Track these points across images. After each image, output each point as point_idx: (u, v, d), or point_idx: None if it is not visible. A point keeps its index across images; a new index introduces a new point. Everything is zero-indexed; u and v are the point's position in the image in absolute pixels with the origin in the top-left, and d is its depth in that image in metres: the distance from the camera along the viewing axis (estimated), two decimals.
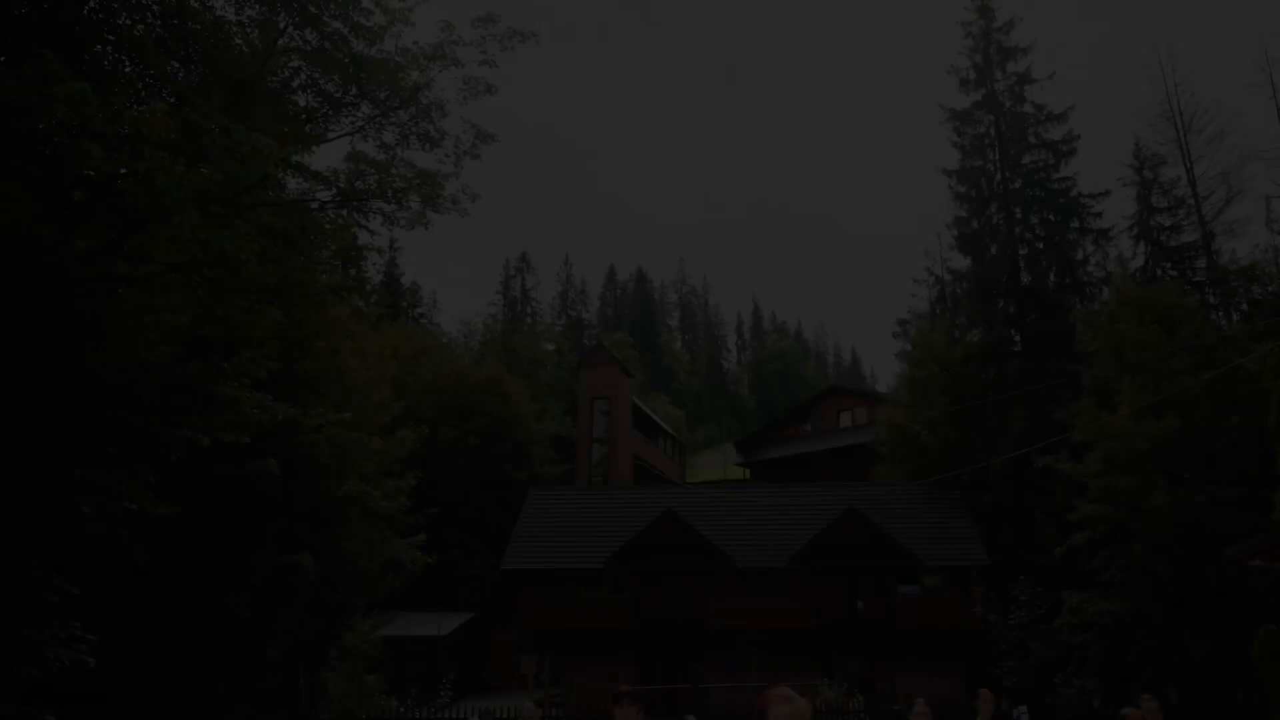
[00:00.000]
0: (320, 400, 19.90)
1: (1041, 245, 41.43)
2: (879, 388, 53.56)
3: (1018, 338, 40.87)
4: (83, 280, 11.53)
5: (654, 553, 34.19)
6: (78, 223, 11.09)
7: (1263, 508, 25.60)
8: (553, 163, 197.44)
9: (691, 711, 18.76)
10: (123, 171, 8.14)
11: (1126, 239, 43.45)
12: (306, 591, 21.34)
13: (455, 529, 41.26)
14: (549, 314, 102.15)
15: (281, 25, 13.08)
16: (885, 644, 32.59)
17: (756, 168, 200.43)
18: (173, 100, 8.74)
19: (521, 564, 35.12)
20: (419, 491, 27.02)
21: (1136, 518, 28.94)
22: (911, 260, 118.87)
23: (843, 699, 27.28)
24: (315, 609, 22.59)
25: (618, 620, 33.74)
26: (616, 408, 52.48)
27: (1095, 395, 32.06)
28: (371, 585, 24.88)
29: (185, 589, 18.39)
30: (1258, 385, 31.67)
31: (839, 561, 33.81)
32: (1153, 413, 30.24)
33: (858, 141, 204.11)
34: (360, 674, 21.27)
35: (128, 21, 8.96)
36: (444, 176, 14.43)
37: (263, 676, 20.71)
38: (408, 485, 25.51)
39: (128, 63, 8.61)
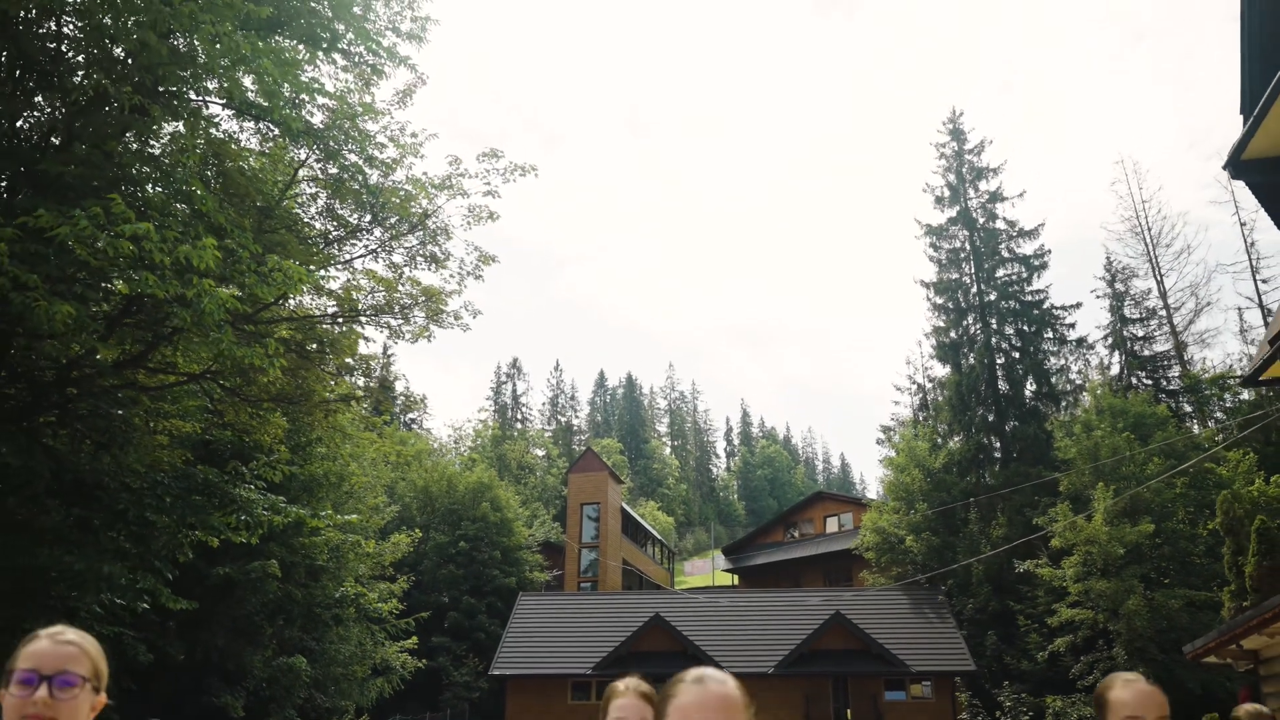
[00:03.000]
0: (321, 504, 20.66)
1: (1017, 355, 42.86)
2: (868, 493, 54.44)
3: (997, 444, 41.91)
4: (110, 389, 12.52)
5: (643, 658, 34.38)
6: (107, 336, 12.13)
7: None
8: (543, 270, 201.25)
9: None
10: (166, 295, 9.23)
11: (1102, 348, 45.11)
12: (299, 693, 21.70)
13: (444, 634, 41.30)
14: (539, 419, 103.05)
15: (304, 157, 14.42)
16: None
17: (743, 281, 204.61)
18: (211, 231, 9.89)
19: (510, 669, 35.20)
20: (410, 596, 27.50)
21: (1115, 621, 29.54)
22: (896, 368, 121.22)
23: None
24: (306, 712, 22.86)
25: None
26: (605, 513, 52.94)
27: (1072, 501, 33.01)
28: (362, 690, 25.13)
29: (184, 689, 18.79)
30: (1227, 492, 32.69)
31: (826, 668, 34.05)
32: (1128, 518, 31.15)
33: (844, 253, 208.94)
34: None
35: (175, 165, 10.18)
36: (448, 294, 15.65)
37: None
38: (400, 589, 26.05)
39: (179, 199, 9.78)
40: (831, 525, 54.74)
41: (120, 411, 12.33)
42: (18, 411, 12.19)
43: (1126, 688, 2.63)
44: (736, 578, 58.35)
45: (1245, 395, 39.04)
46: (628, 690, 2.52)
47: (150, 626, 16.80)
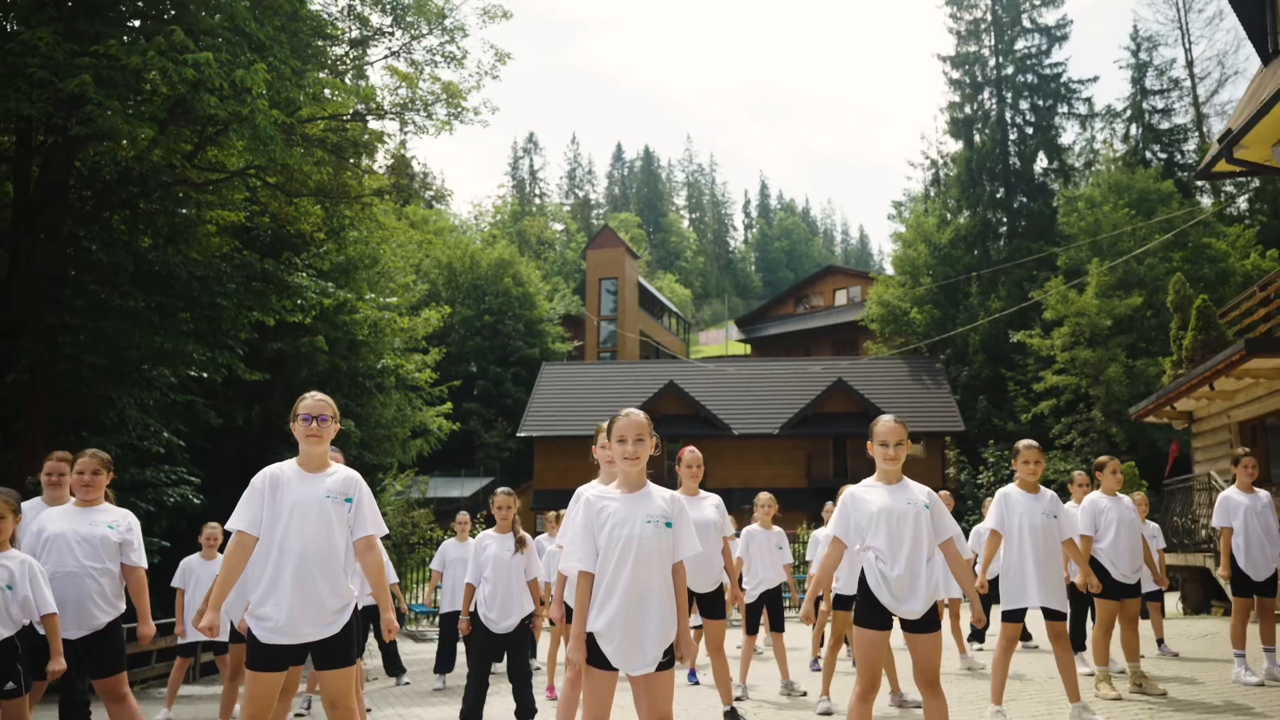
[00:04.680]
0: (358, 284, 22.47)
1: (1031, 130, 43.01)
2: (885, 264, 55.63)
3: (1004, 220, 42.93)
4: (167, 186, 13.95)
5: (658, 422, 37.14)
6: (161, 139, 13.43)
7: None
8: (558, 41, 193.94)
9: None
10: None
11: (1120, 123, 44.98)
12: (350, 451, 24.39)
13: (474, 400, 44.48)
14: (557, 194, 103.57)
15: None
16: None
17: (762, 50, 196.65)
18: (257, 52, 10.97)
19: (536, 431, 38.42)
20: (441, 366, 29.83)
21: (1096, 386, 31.80)
22: (911, 143, 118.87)
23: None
24: (355, 468, 25.76)
25: None
26: (623, 288, 54.99)
27: (1069, 276, 34.53)
28: (404, 450, 27.88)
29: (251, 449, 21.36)
30: (1222, 266, 34.03)
31: (827, 429, 36.94)
32: (1120, 291, 32.76)
33: (863, 24, 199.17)
34: (412, 509, 24.63)
35: None
36: (466, 91, 16.67)
37: None
38: (433, 360, 28.31)
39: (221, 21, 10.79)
40: (840, 298, 56.75)
41: (184, 211, 13.83)
42: (91, 212, 13.74)
43: (879, 422, 4.32)
44: (749, 348, 61.10)
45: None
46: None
47: (217, 395, 18.98)
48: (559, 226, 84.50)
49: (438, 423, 28.83)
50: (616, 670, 3.54)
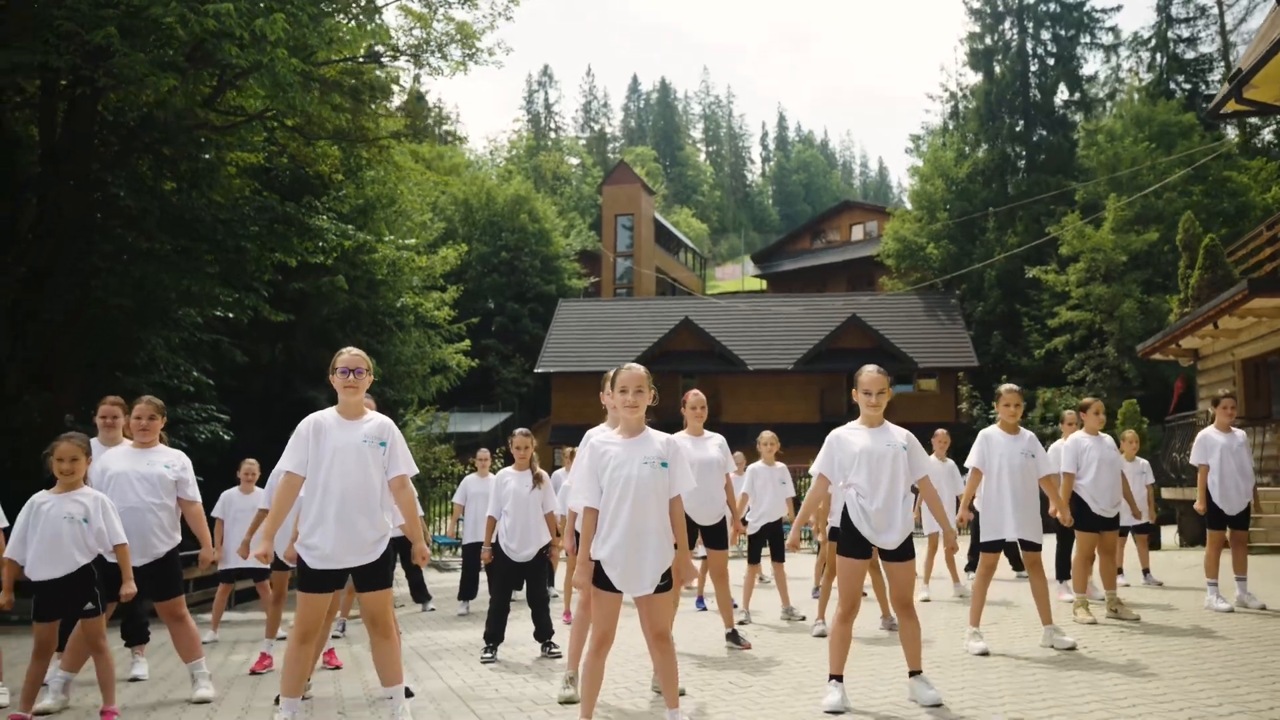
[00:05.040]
0: (376, 224, 22.77)
1: (1052, 61, 42.35)
2: (904, 198, 55.17)
3: (1022, 153, 42.53)
4: (189, 129, 14.23)
5: (674, 357, 37.76)
6: (181, 83, 13.67)
7: None
8: None
9: None
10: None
11: (1144, 51, 44.17)
12: (371, 389, 25.04)
13: (492, 336, 44.99)
14: (572, 128, 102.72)
15: None
16: None
17: None
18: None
19: (553, 367, 38.95)
20: (459, 304, 30.23)
21: (1110, 322, 31.91)
22: (930, 75, 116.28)
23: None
24: (378, 403, 26.37)
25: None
26: (639, 224, 54.98)
27: (1087, 211, 34.37)
28: (424, 386, 28.46)
29: (275, 387, 21.94)
30: (1242, 200, 33.78)
31: (841, 365, 37.23)
32: (1138, 226, 32.64)
33: None
34: (433, 444, 25.28)
35: None
36: (480, 32, 16.74)
37: None
38: (450, 298, 28.70)
39: None
40: (857, 233, 56.56)
41: (206, 156, 14.13)
42: (117, 158, 14.07)
43: (863, 372, 4.68)
44: (765, 284, 61.16)
45: None
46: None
47: (242, 334, 19.45)
48: (574, 161, 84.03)
49: (456, 359, 29.33)
50: (620, 593, 3.98)
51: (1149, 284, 32.38)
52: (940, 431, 9.86)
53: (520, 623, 7.27)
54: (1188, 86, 43.51)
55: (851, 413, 24.78)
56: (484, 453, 10.66)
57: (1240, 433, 7.44)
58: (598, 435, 4.33)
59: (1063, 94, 42.76)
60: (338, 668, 6.48)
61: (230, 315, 15.11)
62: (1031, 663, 5.55)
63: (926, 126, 49.62)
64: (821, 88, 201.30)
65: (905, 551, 4.61)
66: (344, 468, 4.27)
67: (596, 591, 4.00)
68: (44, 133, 13.64)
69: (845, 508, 4.69)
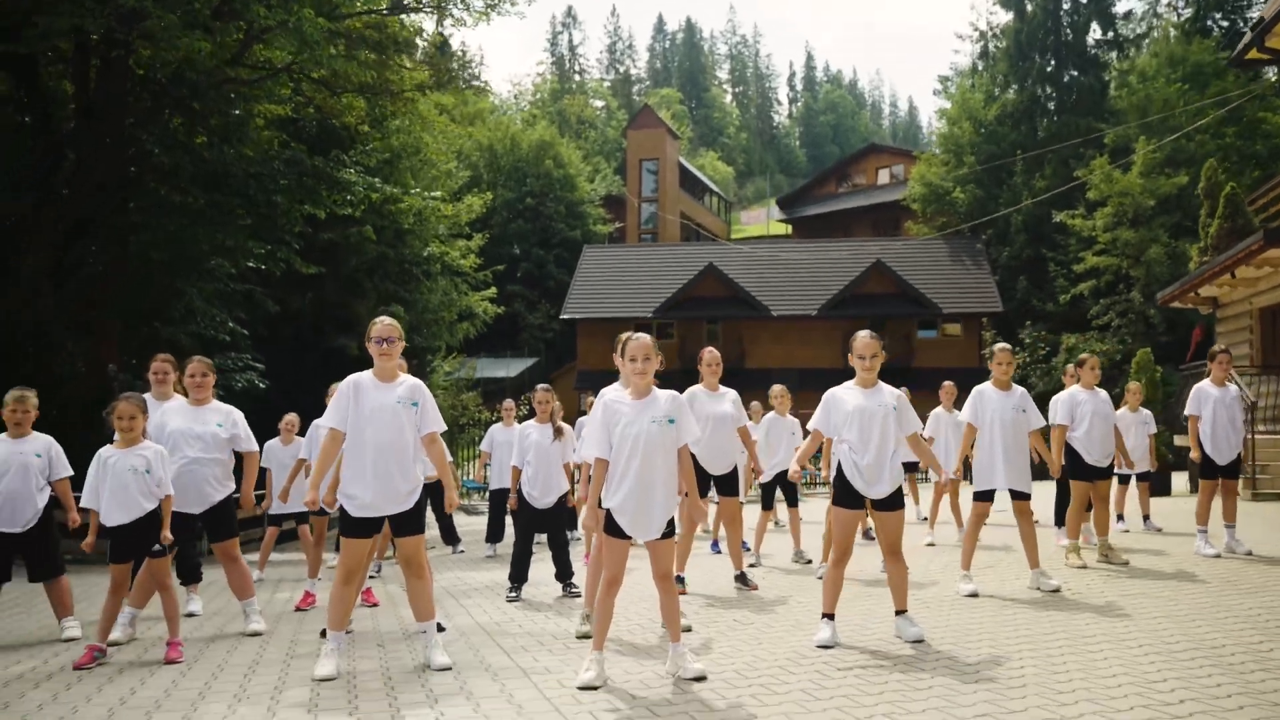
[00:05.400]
0: (402, 174, 23.08)
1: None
2: (934, 140, 54.28)
3: (1052, 95, 41.89)
4: (218, 85, 14.56)
5: (698, 303, 38.01)
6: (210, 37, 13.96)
7: None
8: None
9: None
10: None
11: None
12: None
13: (518, 283, 45.37)
14: (597, 70, 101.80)
15: None
16: (903, 380, 36.41)
17: None
18: None
19: (578, 313, 39.34)
20: (485, 251, 30.59)
21: (1136, 267, 31.75)
22: (960, 14, 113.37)
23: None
24: (407, 352, 26.93)
25: (666, 361, 37.70)
26: (664, 169, 54.82)
27: (1115, 154, 33.96)
28: (451, 332, 28.99)
29: (307, 335, 22.50)
30: (1276, 142, 33.23)
31: (865, 310, 37.33)
32: (1168, 169, 32.27)
33: None
34: (461, 392, 25.86)
35: None
36: None
37: None
38: (476, 245, 29.06)
39: None
40: (883, 177, 56.11)
41: (235, 112, 14.47)
42: (149, 114, 14.44)
43: (856, 338, 5.01)
44: (790, 228, 60.95)
45: None
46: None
47: (273, 284, 19.95)
48: (599, 104, 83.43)
49: (483, 306, 29.80)
50: (630, 538, 4.39)
51: (1177, 228, 32.09)
52: (947, 384, 10.15)
53: (543, 564, 7.75)
54: (1225, 24, 42.48)
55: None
56: (509, 403, 11.08)
57: (1234, 387, 7.71)
58: (611, 393, 4.70)
59: (1095, 33, 41.97)
60: (375, 605, 6.98)
61: (263, 266, 15.58)
62: (1016, 603, 5.94)
63: (955, 68, 48.94)
64: (850, 25, 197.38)
65: (894, 502, 4.99)
66: (380, 426, 4.68)
67: (607, 538, 4.40)
68: (78, 89, 14.03)
69: (839, 463, 5.07)
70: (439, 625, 5.69)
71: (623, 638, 5.36)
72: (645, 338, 4.50)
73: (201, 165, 14.36)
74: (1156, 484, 10.31)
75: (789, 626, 5.52)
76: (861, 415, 4.97)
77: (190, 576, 6.66)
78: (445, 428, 5.00)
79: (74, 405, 13.64)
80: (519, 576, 7.12)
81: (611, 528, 4.40)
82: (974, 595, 6.19)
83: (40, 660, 5.33)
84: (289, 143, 17.06)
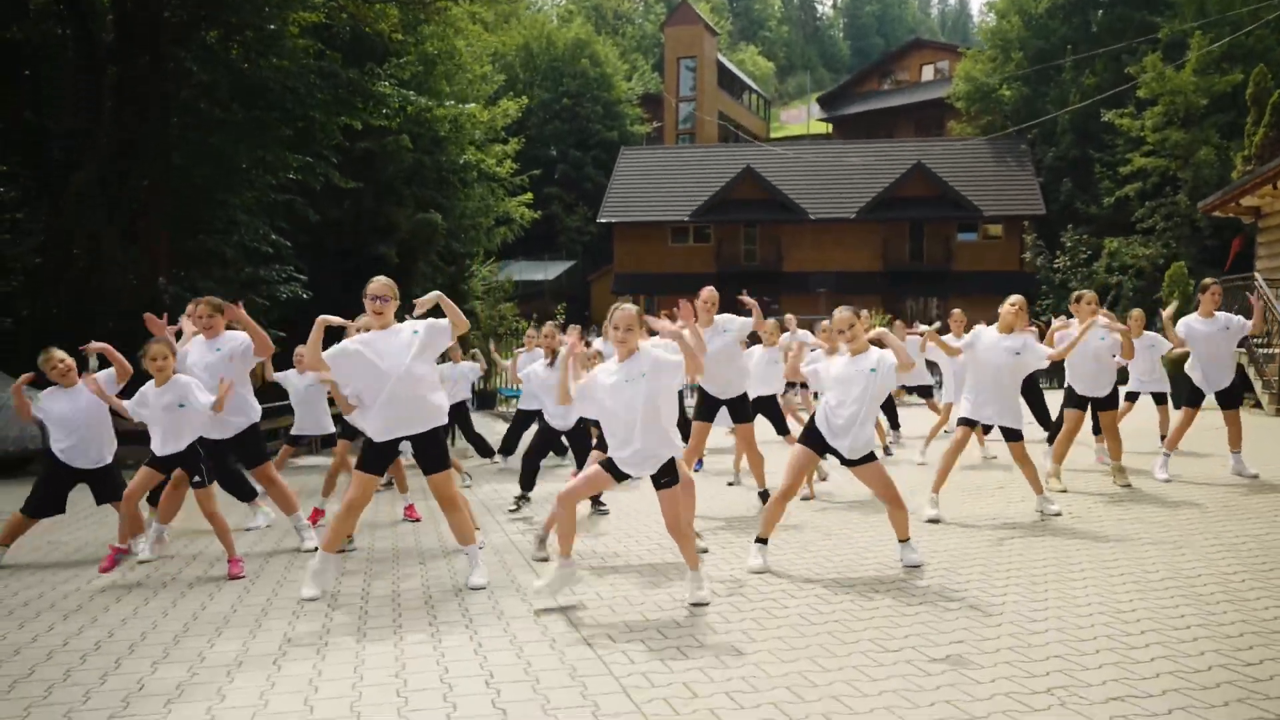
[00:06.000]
0: (436, 79, 23.05)
1: None
2: (981, 33, 52.33)
3: None
4: None
5: (735, 205, 37.82)
6: None
7: None
8: None
9: None
10: None
11: None
12: (438, 242, 25.82)
13: (555, 185, 45.27)
14: None
15: None
16: (942, 284, 36.32)
17: None
18: None
19: (615, 216, 39.35)
20: (521, 154, 30.55)
21: (1185, 169, 30.98)
22: None
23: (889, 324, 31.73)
24: (446, 257, 27.27)
25: (703, 265, 38.17)
26: (702, 67, 53.73)
27: (1169, 51, 32.74)
28: (488, 238, 29.24)
29: (346, 242, 22.90)
30: None
31: (904, 213, 36.95)
32: (1219, 67, 31.12)
33: None
34: (499, 302, 26.32)
35: None
36: None
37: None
38: (512, 150, 29.05)
39: None
40: (928, 73, 54.59)
41: (271, 27, 14.57)
42: (185, 29, 14.60)
43: (834, 317, 5.24)
44: (830, 127, 59.76)
45: None
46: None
47: (312, 194, 20.27)
48: None
49: (520, 211, 29.92)
50: (622, 478, 4.78)
51: (1229, 129, 31.13)
52: (956, 311, 10.25)
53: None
54: None
55: (915, 260, 25.36)
56: (532, 332, 11.45)
57: (1222, 316, 7.84)
58: (602, 369, 4.93)
59: None
60: (417, 520, 7.48)
61: (301, 178, 15.91)
62: (1013, 529, 6.27)
63: None
64: None
65: (865, 459, 5.24)
66: (391, 355, 5.02)
67: (600, 471, 4.81)
68: (114, 5, 14.20)
69: (814, 413, 5.38)
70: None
71: (644, 558, 5.80)
72: (630, 309, 4.77)
73: (239, 80, 14.57)
74: (1176, 401, 10.41)
75: (796, 549, 5.90)
76: (839, 382, 5.24)
77: (245, 495, 7.14)
78: (455, 327, 5.15)
79: (128, 318, 14.24)
80: (527, 484, 7.59)
81: (612, 470, 4.78)
82: (935, 521, 6.49)
83: (119, 575, 5.88)
84: (324, 51, 17.15)
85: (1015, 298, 6.61)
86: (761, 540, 5.43)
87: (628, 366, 4.72)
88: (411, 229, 24.43)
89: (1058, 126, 37.96)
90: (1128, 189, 32.97)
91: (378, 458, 5.17)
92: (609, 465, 4.78)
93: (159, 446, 5.73)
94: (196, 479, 5.77)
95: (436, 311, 5.14)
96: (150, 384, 5.74)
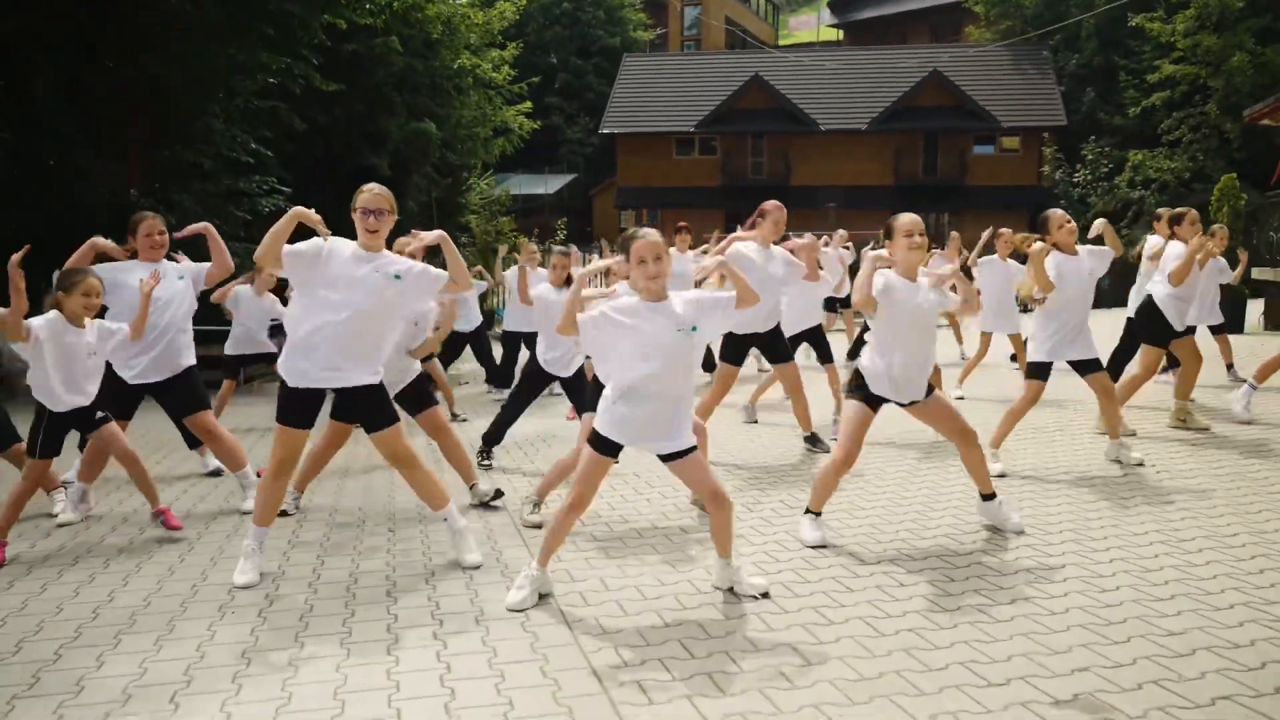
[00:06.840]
0: None
1: None
2: None
3: None
4: None
5: (743, 115, 36.40)
6: None
7: None
8: None
9: None
10: None
11: None
12: (433, 154, 24.68)
13: (555, 94, 43.64)
14: None
15: None
16: (956, 199, 35.12)
17: None
18: None
19: (618, 127, 37.93)
20: (520, 61, 29.12)
21: (1216, 77, 29.52)
22: None
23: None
24: (441, 169, 26.15)
25: (708, 178, 36.94)
26: None
27: None
28: (486, 149, 28.05)
29: (336, 152, 21.81)
30: None
31: (918, 124, 35.54)
32: None
33: None
34: (495, 216, 25.34)
35: None
36: None
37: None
38: (509, 56, 27.65)
39: None
40: None
41: None
42: None
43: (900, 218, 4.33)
44: (841, 34, 57.60)
45: None
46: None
47: (297, 100, 19.10)
48: None
49: (519, 121, 28.64)
50: (613, 461, 3.80)
51: (1265, 34, 29.57)
52: (1004, 231, 9.31)
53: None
54: None
55: (928, 174, 24.26)
56: (531, 246, 10.58)
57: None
58: (614, 305, 3.79)
59: None
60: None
61: (281, 80, 14.88)
62: (1076, 484, 5.50)
63: None
64: None
65: (926, 395, 4.43)
66: (348, 289, 4.00)
67: (593, 454, 3.78)
68: None
69: (860, 367, 4.48)
70: (498, 491, 5.40)
71: (658, 524, 5.02)
72: (653, 235, 3.73)
73: None
74: (1229, 326, 9.54)
75: (830, 510, 5.12)
76: (906, 311, 4.32)
77: (194, 441, 6.33)
78: (465, 283, 4.26)
79: (104, 232, 13.37)
80: (494, 438, 6.57)
81: (602, 445, 3.77)
82: (1000, 476, 5.63)
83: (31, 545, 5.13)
84: None
85: (1023, 235, 5.86)
86: (814, 513, 4.57)
87: (666, 311, 3.67)
88: (404, 138, 23.29)
89: (1082, 32, 36.20)
90: (1155, 98, 31.46)
91: (302, 398, 4.16)
92: (601, 443, 3.76)
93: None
94: (99, 415, 4.89)
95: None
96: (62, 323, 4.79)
